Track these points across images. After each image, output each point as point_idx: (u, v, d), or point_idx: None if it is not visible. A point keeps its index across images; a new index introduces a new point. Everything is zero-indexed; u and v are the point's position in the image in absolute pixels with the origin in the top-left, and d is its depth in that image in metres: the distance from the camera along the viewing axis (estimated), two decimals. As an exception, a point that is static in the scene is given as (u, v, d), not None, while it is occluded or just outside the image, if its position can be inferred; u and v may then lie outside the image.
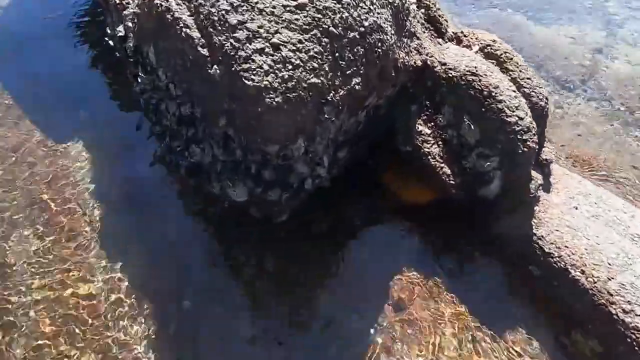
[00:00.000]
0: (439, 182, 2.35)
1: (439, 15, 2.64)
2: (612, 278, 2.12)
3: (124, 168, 2.56)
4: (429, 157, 2.35)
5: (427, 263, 2.36)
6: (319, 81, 1.83)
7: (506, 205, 2.35)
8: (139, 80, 2.29)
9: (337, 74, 1.89)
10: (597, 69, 3.68)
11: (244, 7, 1.81)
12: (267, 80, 1.75)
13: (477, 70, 2.27)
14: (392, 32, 2.14)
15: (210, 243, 2.34)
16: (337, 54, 1.88)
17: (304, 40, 1.82)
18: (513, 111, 2.20)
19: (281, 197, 2.05)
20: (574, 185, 2.54)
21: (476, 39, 2.55)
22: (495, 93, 2.22)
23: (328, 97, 1.87)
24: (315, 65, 1.82)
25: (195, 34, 1.86)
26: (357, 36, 1.94)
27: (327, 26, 1.86)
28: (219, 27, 1.80)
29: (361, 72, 1.96)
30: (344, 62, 1.90)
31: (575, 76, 3.62)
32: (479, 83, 2.25)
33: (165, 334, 1.99)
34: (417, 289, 2.26)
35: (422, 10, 2.60)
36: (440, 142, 2.37)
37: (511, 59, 2.44)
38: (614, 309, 2.07)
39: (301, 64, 1.80)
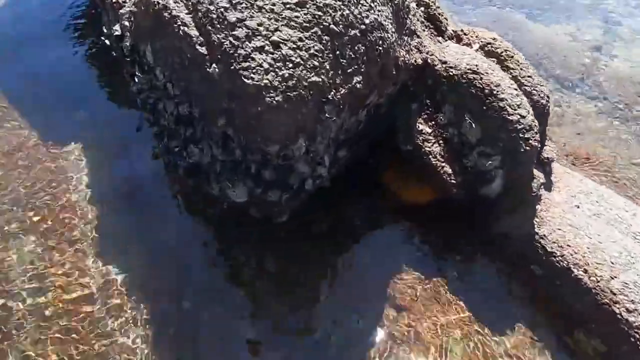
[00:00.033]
0: (439, 181, 2.31)
1: (439, 14, 2.60)
2: (615, 277, 2.09)
3: (123, 168, 2.53)
4: (430, 156, 2.31)
5: (427, 263, 2.33)
6: (320, 80, 1.78)
7: (507, 205, 2.31)
8: (136, 79, 2.23)
9: (338, 72, 1.84)
10: (596, 67, 3.66)
11: (243, 5, 1.75)
12: (267, 79, 1.70)
13: (478, 69, 2.22)
14: (393, 30, 2.10)
15: (210, 243, 2.31)
16: (338, 52, 1.83)
17: (304, 38, 1.77)
18: (515, 109, 2.16)
19: (281, 198, 2.00)
20: (575, 184, 2.50)
21: (476, 37, 2.50)
22: (497, 91, 2.18)
23: (329, 96, 1.82)
24: (316, 63, 1.78)
25: (194, 32, 1.81)
26: (358, 34, 1.89)
27: (327, 24, 1.81)
28: (218, 25, 1.75)
29: (362, 70, 1.92)
30: (344, 61, 1.86)
31: (574, 74, 3.60)
32: (480, 81, 2.20)
33: (165, 334, 1.96)
34: (418, 289, 2.23)
35: (422, 9, 2.56)
36: (441, 141, 2.33)
37: (512, 57, 2.40)
38: (618, 308, 2.03)
39: (302, 62, 1.75)
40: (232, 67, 1.71)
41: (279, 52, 1.73)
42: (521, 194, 2.28)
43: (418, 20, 2.45)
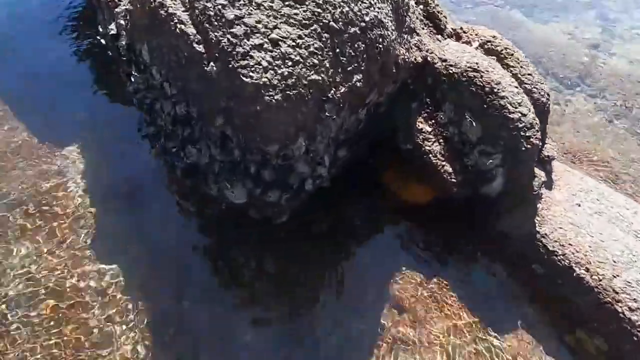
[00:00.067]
0: (440, 180, 2.27)
1: (438, 12, 2.56)
2: (618, 275, 2.06)
3: (122, 169, 2.48)
4: (430, 155, 2.27)
5: (428, 264, 2.31)
6: (320, 78, 1.74)
7: (508, 203, 2.28)
8: (132, 79, 2.18)
9: (338, 71, 1.80)
10: (595, 66, 3.64)
11: (241, 2, 1.70)
12: (266, 77, 1.65)
13: (478, 67, 2.18)
14: (393, 27, 2.05)
15: (210, 244, 2.27)
16: (337, 50, 1.79)
17: (303, 36, 1.72)
18: (516, 107, 2.12)
19: (281, 198, 1.96)
20: (575, 182, 2.47)
21: (476, 35, 2.46)
22: (498, 89, 2.14)
23: (329, 94, 1.77)
24: (316, 61, 1.73)
25: (191, 30, 1.76)
26: (358, 31, 1.84)
27: (327, 21, 1.76)
28: (215, 23, 1.70)
29: (362, 68, 1.87)
30: (344, 58, 1.81)
31: (573, 73, 3.58)
32: (480, 79, 2.17)
33: (165, 334, 1.93)
34: (418, 289, 2.20)
35: (421, 7, 2.52)
36: (441, 140, 2.29)
37: (512, 54, 2.36)
38: (620, 307, 2.01)
39: (301, 60, 1.70)
40: (230, 66, 1.66)
41: (278, 50, 1.68)
42: (522, 193, 2.25)
43: (417, 18, 2.41)
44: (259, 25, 1.69)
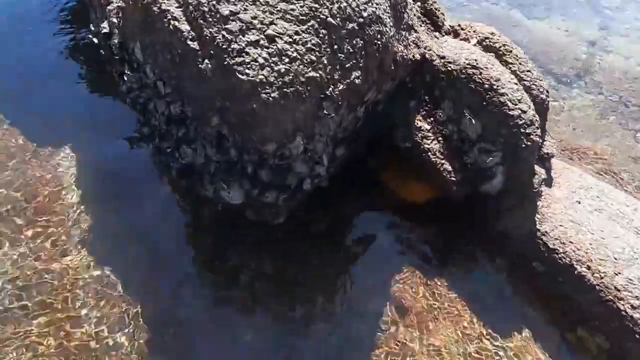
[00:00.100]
0: (439, 179, 2.23)
1: (435, 9, 2.51)
2: (619, 273, 2.03)
3: (118, 169, 2.42)
4: (429, 153, 2.22)
5: (427, 263, 2.27)
6: (318, 75, 1.68)
7: (508, 201, 2.24)
8: (125, 78, 2.11)
9: (336, 67, 1.75)
10: (592, 63, 3.62)
11: (236, -3, 1.65)
12: (263, 75, 1.60)
13: (477, 63, 2.15)
14: (391, 24, 2.01)
15: (208, 245, 2.22)
16: (335, 46, 1.74)
17: (300, 32, 1.67)
18: (515, 104, 2.09)
19: (278, 199, 1.90)
20: (575, 179, 2.44)
21: (474, 31, 2.43)
22: (497, 86, 2.10)
23: (327, 92, 1.72)
24: (313, 58, 1.68)
25: (184, 26, 1.70)
26: (356, 27, 1.79)
27: (324, 16, 1.71)
28: (210, 19, 1.64)
29: (361, 65, 1.83)
30: (343, 55, 1.76)
31: (570, 70, 3.56)
32: (479, 76, 2.13)
33: (164, 335, 1.89)
34: (418, 288, 2.17)
35: (418, 4, 2.47)
36: (440, 138, 2.25)
37: (510, 51, 2.32)
38: (622, 304, 1.98)
39: (298, 56, 1.65)
40: (226, 63, 1.61)
41: (275, 47, 1.63)
42: (522, 191, 2.21)
43: (415, 15, 2.37)
44: (255, 21, 1.63)
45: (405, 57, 2.16)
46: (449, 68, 2.20)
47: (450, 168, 2.22)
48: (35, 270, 1.99)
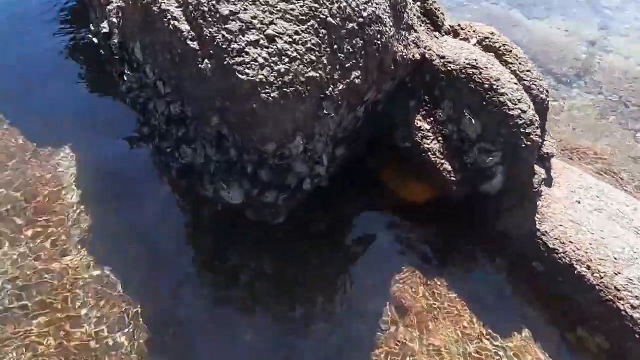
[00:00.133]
0: (439, 179, 2.22)
1: (435, 9, 2.50)
2: (619, 273, 2.02)
3: (118, 169, 2.40)
4: (429, 153, 2.22)
5: (427, 263, 2.26)
6: (318, 75, 1.68)
7: (508, 201, 2.23)
8: (125, 78, 2.11)
9: (336, 67, 1.74)
10: (592, 63, 3.61)
11: (236, -3, 1.64)
12: (263, 75, 1.59)
13: (477, 63, 2.14)
14: (391, 24, 2.00)
15: (208, 245, 2.21)
16: (335, 46, 1.73)
17: (300, 32, 1.66)
18: (515, 104, 2.08)
19: (278, 199, 1.90)
20: (574, 179, 2.43)
21: (474, 31, 2.42)
22: (497, 86, 2.09)
23: (327, 92, 1.71)
24: (313, 58, 1.67)
25: (184, 26, 1.69)
26: (356, 27, 1.79)
27: (324, 16, 1.71)
28: (210, 19, 1.64)
29: (361, 65, 1.82)
30: (343, 55, 1.75)
31: (570, 70, 3.55)
32: (479, 76, 2.12)
33: (164, 335, 1.88)
34: (418, 288, 2.16)
35: (418, 4, 2.46)
36: (440, 138, 2.24)
37: (510, 51, 2.32)
38: (622, 304, 1.97)
39: (298, 56, 1.64)
40: (226, 63, 1.60)
41: (275, 47, 1.62)
42: (522, 191, 2.21)
43: (415, 15, 2.36)
44: (255, 21, 1.62)
45: (405, 57, 2.15)
46: (449, 68, 2.19)
47: (450, 168, 2.21)
48: (35, 270, 1.98)
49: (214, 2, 1.64)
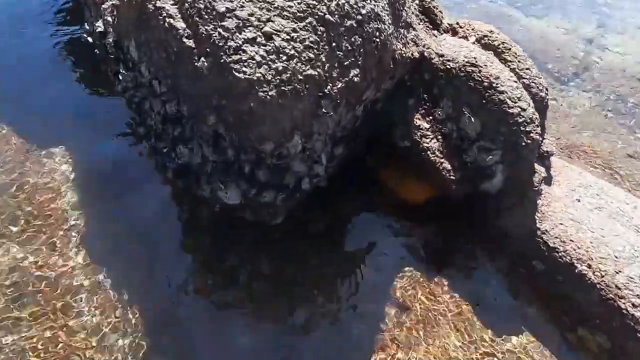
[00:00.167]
0: (438, 178, 2.19)
1: (434, 7, 2.48)
2: (620, 271, 2.00)
3: (115, 172, 2.36)
4: (428, 152, 2.19)
5: (427, 262, 2.24)
6: (316, 73, 1.64)
7: (508, 200, 2.21)
8: (120, 77, 2.06)
9: (335, 65, 1.71)
10: (589, 60, 3.59)
11: (232, -6, 1.60)
12: (260, 73, 1.55)
13: (476, 61, 2.11)
14: (390, 21, 1.97)
15: (205, 245, 2.17)
16: (334, 44, 1.69)
17: (298, 29, 1.63)
18: (515, 102, 2.05)
19: (276, 199, 1.86)
20: (574, 177, 2.41)
21: (472, 29, 2.39)
22: (497, 84, 2.07)
23: (325, 90, 1.68)
24: (311, 55, 1.63)
25: (180, 24, 1.65)
26: (355, 24, 1.75)
27: (322, 13, 1.67)
28: (206, 16, 1.60)
29: (359, 63, 1.78)
30: (341, 53, 1.72)
31: (568, 68, 3.52)
32: (479, 74, 2.09)
33: (162, 337, 1.85)
34: (418, 288, 2.13)
35: (416, 2, 2.43)
36: (439, 137, 2.21)
37: (509, 49, 2.29)
38: (623, 303, 1.94)
39: (296, 54, 1.61)
40: (222, 61, 1.56)
41: (272, 44, 1.58)
42: (522, 189, 2.18)
43: (413, 13, 2.33)
44: (252, 18, 1.59)
45: (404, 55, 2.12)
46: (448, 66, 2.16)
47: (449, 167, 2.18)
48: (32, 271, 1.93)
49: (209, -1, 1.60)
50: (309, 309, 2.03)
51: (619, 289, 1.97)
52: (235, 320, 1.94)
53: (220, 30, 1.57)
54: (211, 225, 2.22)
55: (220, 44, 1.57)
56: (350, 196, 2.37)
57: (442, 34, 2.45)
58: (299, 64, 1.61)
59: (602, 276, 2.00)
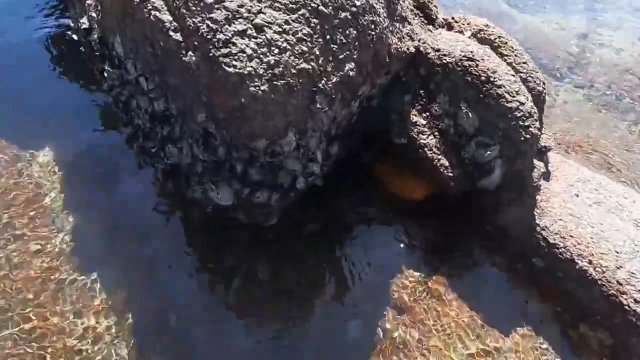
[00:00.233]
0: (436, 175, 2.12)
1: (428, 1, 2.40)
2: (621, 267, 1.94)
3: (107, 171, 2.25)
4: (425, 149, 2.11)
5: (426, 261, 2.17)
6: (310, 67, 1.55)
7: (507, 196, 2.14)
8: (106, 75, 1.95)
9: (329, 59, 1.62)
10: (583, 56, 3.56)
11: (221, -16, 1.50)
12: (251, 66, 1.46)
13: (473, 55, 2.03)
14: (385, 15, 1.88)
15: (200, 248, 2.08)
16: (328, 37, 1.60)
17: (290, 21, 1.53)
18: (513, 96, 1.98)
19: (270, 199, 1.77)
20: (572, 173, 2.35)
21: (468, 24, 2.32)
22: (494, 78, 1.99)
23: (320, 85, 1.59)
24: (305, 48, 1.54)
25: (166, 16, 1.55)
26: (349, 17, 1.66)
27: (316, 5, 1.58)
28: (193, 8, 1.50)
29: (354, 56, 1.69)
30: (335, 46, 1.63)
31: (562, 63, 3.48)
32: (476, 68, 2.02)
33: (157, 343, 1.76)
34: (417, 288, 2.06)
35: (411, -4, 2.35)
36: (436, 133, 2.13)
37: (506, 43, 2.22)
38: (625, 299, 1.88)
39: (288, 47, 1.51)
40: (211, 54, 1.46)
41: (263, 37, 1.49)
42: (521, 185, 2.11)
43: (408, 7, 2.25)
44: (242, 10, 1.49)
45: (400, 49, 2.04)
46: (444, 61, 2.08)
47: (447, 163, 2.11)
48: (23, 271, 1.84)
49: (197, -10, 1.50)
50: (307, 309, 1.96)
51: (621, 284, 1.91)
52: (235, 320, 1.87)
53: (208, 22, 1.47)
54: (210, 225, 2.12)
55: (209, 36, 1.47)
56: (346, 192, 2.29)
57: (437, 28, 2.37)
58: (292, 58, 1.52)
59: (604, 272, 1.94)
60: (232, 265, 2.04)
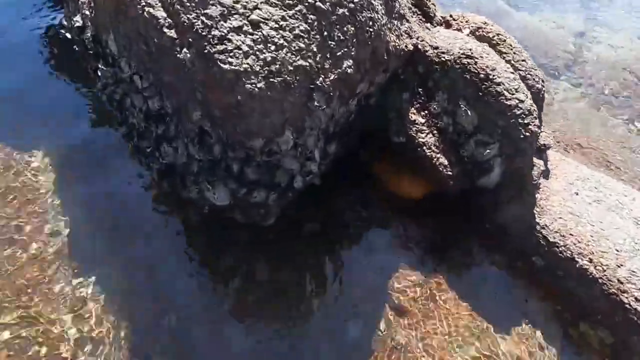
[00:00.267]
0: (435, 174, 2.08)
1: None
2: (622, 265, 1.91)
3: (94, 176, 2.20)
4: (424, 147, 2.07)
5: (425, 261, 2.14)
6: (307, 64, 1.51)
7: (507, 194, 2.11)
8: (100, 73, 1.91)
9: (327, 56, 1.58)
10: (581, 54, 3.54)
11: (216, -20, 1.46)
12: (247, 63, 1.42)
13: (472, 53, 2.00)
14: (383, 12, 1.85)
15: (198, 249, 2.04)
16: (325, 33, 1.56)
17: (287, 17, 1.49)
18: (512, 94, 1.95)
19: (268, 198, 1.73)
20: (571, 171, 2.32)
21: (466, 22, 2.28)
22: (493, 76, 1.96)
23: (317, 82, 1.55)
24: (302, 45, 1.50)
25: (160, 13, 1.51)
26: (347, 13, 1.62)
27: (313, 1, 1.54)
28: (188, 4, 1.45)
29: (352, 53, 1.65)
30: (333, 42, 1.59)
31: (560, 62, 3.47)
32: (474, 66, 1.98)
33: (156, 345, 1.73)
34: (416, 288, 2.04)
35: (408, -6, 2.32)
36: (435, 131, 2.10)
37: (504, 40, 2.19)
38: (626, 297, 1.86)
39: (285, 44, 1.47)
40: (206, 51, 1.42)
41: (260, 33, 1.45)
42: (521, 183, 2.08)
43: (406, 5, 2.22)
44: (237, 6, 1.45)
45: (398, 47, 2.00)
46: (443, 58, 2.05)
47: (446, 162, 2.07)
48: (23, 271, 1.80)
49: (191, -15, 1.46)
50: (307, 309, 1.93)
51: (621, 283, 1.88)
52: (235, 320, 1.84)
53: (203, 18, 1.43)
54: (204, 227, 2.08)
55: (204, 33, 1.42)
56: (344, 191, 2.25)
57: (435, 26, 2.34)
58: (289, 54, 1.48)
59: (604, 270, 1.92)
60: (232, 265, 2.00)
